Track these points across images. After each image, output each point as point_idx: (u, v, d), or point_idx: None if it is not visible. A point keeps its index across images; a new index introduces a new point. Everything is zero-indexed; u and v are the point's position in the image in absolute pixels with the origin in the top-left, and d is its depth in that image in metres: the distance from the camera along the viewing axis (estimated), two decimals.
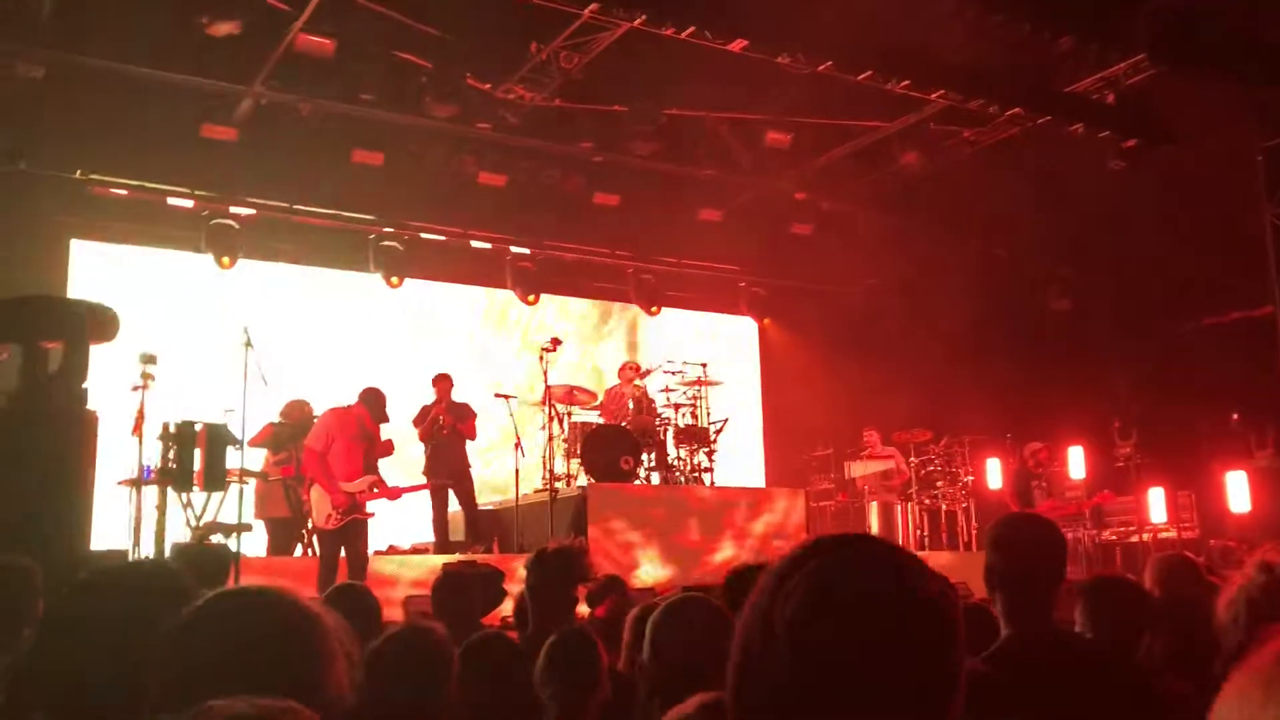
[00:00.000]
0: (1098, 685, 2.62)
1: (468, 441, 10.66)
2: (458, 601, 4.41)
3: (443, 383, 10.76)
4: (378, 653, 2.78)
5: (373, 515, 8.72)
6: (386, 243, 12.58)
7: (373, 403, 8.95)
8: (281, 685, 1.26)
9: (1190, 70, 10.16)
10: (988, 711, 2.24)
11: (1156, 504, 12.16)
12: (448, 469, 10.44)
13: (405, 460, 10.48)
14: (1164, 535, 12.10)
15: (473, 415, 10.68)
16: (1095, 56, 10.74)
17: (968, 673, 1.16)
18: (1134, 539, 12.33)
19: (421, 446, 10.66)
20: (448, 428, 10.51)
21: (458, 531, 10.62)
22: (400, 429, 10.06)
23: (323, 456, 8.53)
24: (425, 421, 10.59)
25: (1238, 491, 11.70)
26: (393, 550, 10.41)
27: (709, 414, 12.00)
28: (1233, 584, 2.46)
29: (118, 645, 1.82)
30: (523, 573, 4.21)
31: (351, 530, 8.43)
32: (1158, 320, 13.36)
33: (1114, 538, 12.69)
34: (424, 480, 10.26)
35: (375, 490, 8.73)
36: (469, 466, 10.68)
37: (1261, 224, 10.96)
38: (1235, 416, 13.05)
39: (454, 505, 10.62)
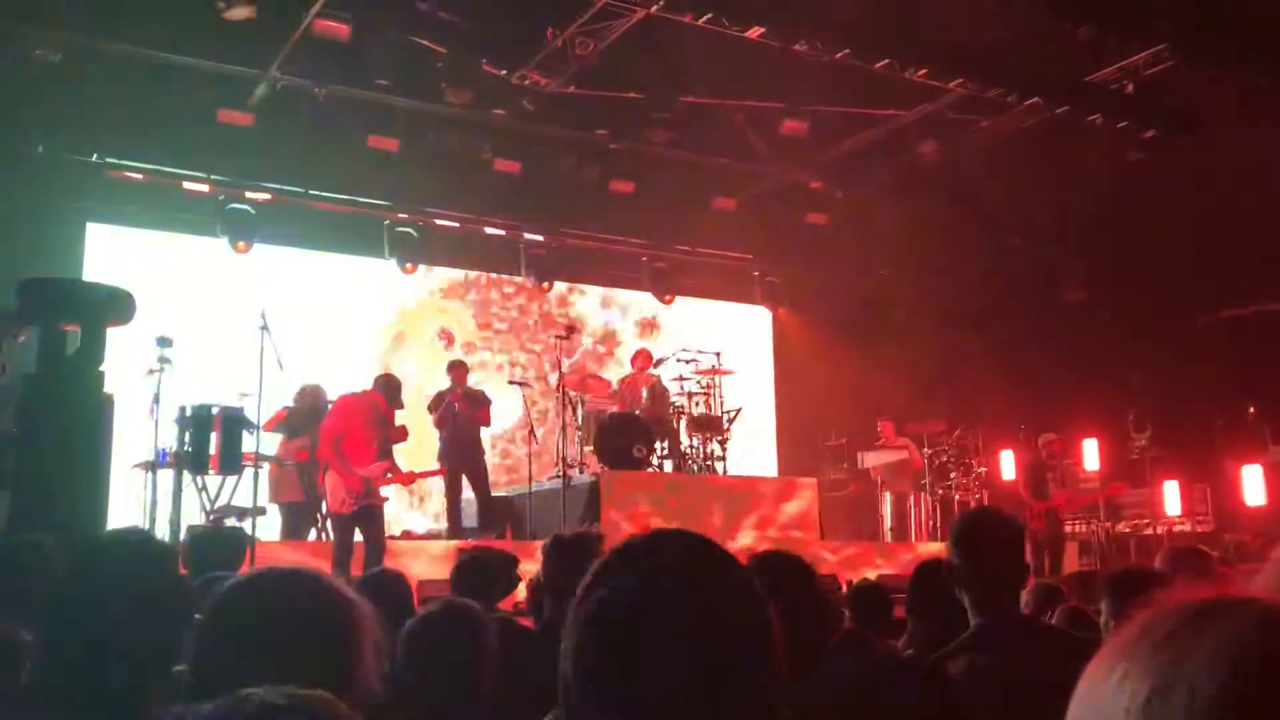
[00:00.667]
0: (1070, 666, 2.64)
1: (482, 428, 10.68)
2: (478, 584, 4.42)
3: (457, 369, 10.77)
4: (419, 630, 2.78)
5: (386, 500, 8.74)
6: (401, 228, 12.59)
7: (388, 388, 8.96)
8: (313, 671, 1.25)
9: (1211, 60, 10.09)
10: (980, 694, 2.26)
11: (1171, 497, 12.12)
12: (462, 455, 10.46)
13: (419, 446, 10.49)
14: (1178, 528, 12.06)
15: (487, 402, 10.69)
16: (1115, 46, 10.66)
17: (962, 669, 1.15)
18: (1148, 531, 12.29)
19: (436, 433, 10.68)
20: (462, 414, 10.52)
21: (470, 517, 10.64)
22: (415, 415, 10.07)
23: (338, 442, 8.53)
24: (440, 408, 10.60)
25: (1253, 485, 11.65)
26: (406, 535, 10.44)
27: (722, 403, 11.98)
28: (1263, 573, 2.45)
29: (114, 616, 1.83)
30: (540, 556, 4.21)
31: (366, 515, 8.45)
32: (1174, 312, 13.30)
33: (1128, 530, 12.66)
34: (438, 466, 10.28)
35: (389, 475, 8.74)
36: (483, 453, 10.70)
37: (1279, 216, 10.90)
38: (1251, 410, 12.99)
39: (467, 491, 10.64)
